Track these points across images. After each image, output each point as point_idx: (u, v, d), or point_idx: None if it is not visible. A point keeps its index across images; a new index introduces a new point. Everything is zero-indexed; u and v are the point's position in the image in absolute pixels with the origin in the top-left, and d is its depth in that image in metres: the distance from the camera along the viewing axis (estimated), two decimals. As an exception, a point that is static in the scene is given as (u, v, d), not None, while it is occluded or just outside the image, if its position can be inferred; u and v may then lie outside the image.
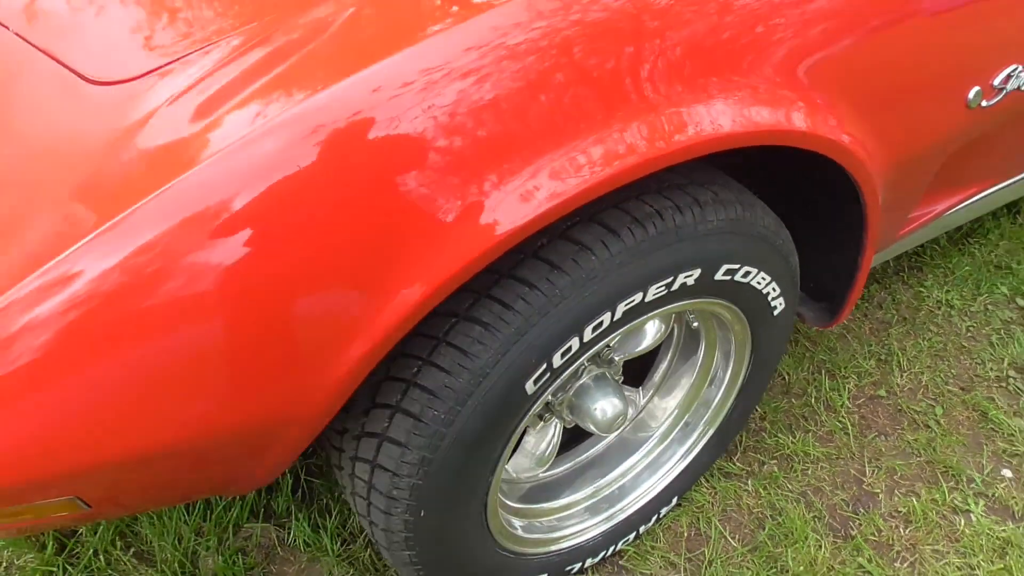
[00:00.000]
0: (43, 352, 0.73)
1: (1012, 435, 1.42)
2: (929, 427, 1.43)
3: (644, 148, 0.82)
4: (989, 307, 1.65)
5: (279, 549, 1.24)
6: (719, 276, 0.97)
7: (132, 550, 1.22)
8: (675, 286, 0.93)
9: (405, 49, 0.75)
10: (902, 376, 1.51)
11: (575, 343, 0.89)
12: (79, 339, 0.73)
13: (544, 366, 0.89)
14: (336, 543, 1.24)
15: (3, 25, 1.04)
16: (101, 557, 1.20)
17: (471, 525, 1.01)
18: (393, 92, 0.72)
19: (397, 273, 0.75)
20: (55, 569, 1.19)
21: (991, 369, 1.53)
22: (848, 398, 1.47)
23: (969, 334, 1.59)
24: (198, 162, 0.72)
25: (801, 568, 1.23)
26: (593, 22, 0.80)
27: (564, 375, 0.92)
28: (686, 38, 0.85)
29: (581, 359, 0.92)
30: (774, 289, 1.06)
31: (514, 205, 0.75)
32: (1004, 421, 1.44)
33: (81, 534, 1.22)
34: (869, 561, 1.25)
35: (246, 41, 0.86)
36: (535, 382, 0.89)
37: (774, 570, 1.23)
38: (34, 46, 0.97)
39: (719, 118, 0.87)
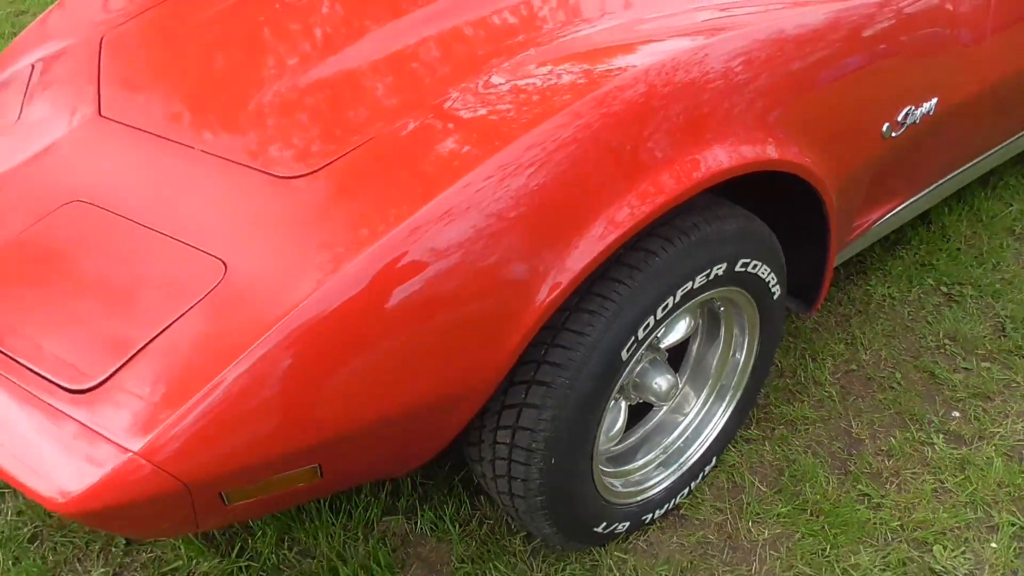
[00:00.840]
0: (310, 350, 1.07)
1: (955, 386, 1.83)
2: (893, 388, 1.84)
3: (679, 182, 1.22)
4: (921, 296, 2.09)
5: (411, 536, 1.55)
6: (738, 268, 1.37)
7: (295, 549, 1.51)
8: (711, 276, 1.32)
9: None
10: (866, 353, 1.92)
11: (651, 320, 1.27)
12: (338, 338, 1.07)
13: (632, 339, 1.25)
14: (456, 526, 1.55)
15: (188, 146, 1.40)
16: (273, 556, 1.49)
17: (582, 473, 1.35)
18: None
19: (549, 268, 1.12)
20: (235, 570, 1.47)
21: (931, 341, 1.96)
22: (828, 374, 1.87)
23: (910, 317, 2.02)
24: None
25: (817, 497, 1.59)
26: (633, 111, 1.20)
27: (644, 345, 1.29)
28: (687, 109, 1.25)
29: (654, 333, 1.29)
30: (773, 278, 1.46)
31: (624, 218, 1.14)
32: (947, 377, 1.85)
33: (250, 541, 1.51)
34: (866, 486, 1.62)
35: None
36: (627, 351, 1.26)
37: (797, 502, 1.59)
38: (227, 159, 1.33)
39: (719, 157, 1.28)
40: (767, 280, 1.45)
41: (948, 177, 1.93)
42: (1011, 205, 2.41)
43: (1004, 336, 1.97)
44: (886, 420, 1.77)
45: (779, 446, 1.71)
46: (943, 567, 1.47)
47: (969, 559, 1.49)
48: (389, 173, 1.21)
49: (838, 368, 1.89)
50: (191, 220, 1.26)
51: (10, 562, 1.49)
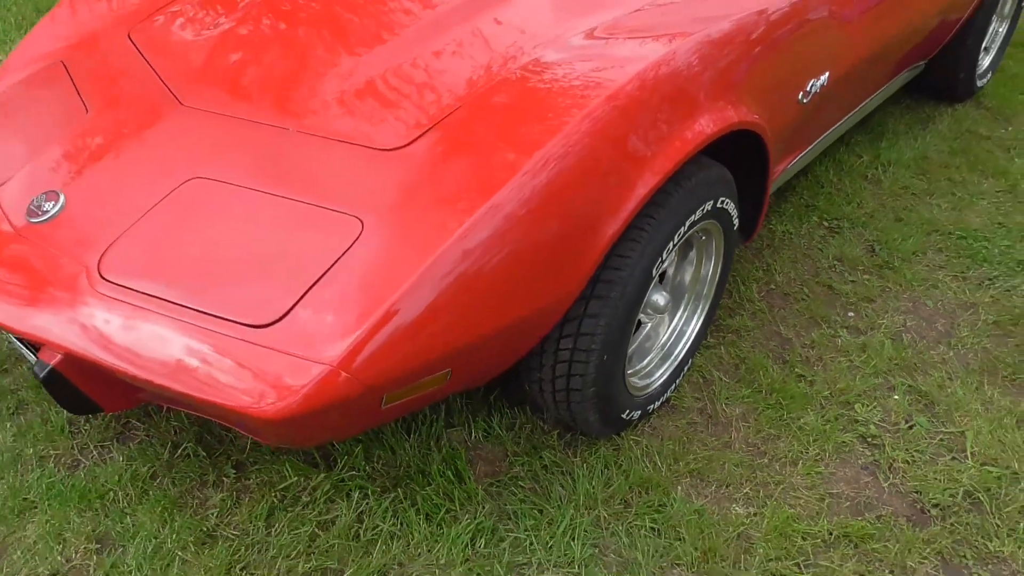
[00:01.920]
0: (455, 279, 1.41)
1: (847, 294, 2.40)
2: (804, 299, 2.38)
3: (691, 140, 1.65)
4: (810, 230, 2.66)
5: (469, 443, 1.90)
6: (718, 205, 1.82)
7: (381, 461, 1.83)
8: (705, 211, 1.76)
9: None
10: (779, 276, 2.46)
11: (671, 244, 1.69)
12: (473, 266, 1.41)
13: (659, 259, 1.68)
14: (504, 431, 1.92)
15: (282, 127, 1.67)
16: (367, 467, 1.80)
17: (619, 369, 1.76)
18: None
19: (631, 184, 1.51)
20: (340, 481, 1.77)
21: (824, 263, 2.52)
22: (755, 293, 2.38)
23: (805, 246, 2.58)
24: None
25: (768, 381, 2.09)
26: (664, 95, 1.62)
27: (666, 264, 1.72)
28: (673, 97, 1.67)
29: (672, 253, 1.72)
30: (734, 212, 1.92)
31: (670, 155, 1.55)
32: (840, 288, 2.42)
33: (346, 458, 1.81)
34: (801, 370, 2.14)
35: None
36: (656, 269, 1.68)
37: (754, 386, 2.08)
38: (325, 137, 1.63)
39: (708, 123, 1.73)
40: (732, 213, 1.92)
41: (830, 130, 2.50)
42: (861, 157, 3.05)
43: (875, 255, 2.57)
44: (803, 322, 2.30)
45: (731, 349, 2.20)
46: (863, 417, 2.01)
47: (879, 409, 2.04)
48: (486, 134, 1.55)
49: (761, 288, 2.41)
50: (314, 189, 1.55)
51: (139, 495, 1.71)
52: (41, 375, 1.52)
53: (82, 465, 1.80)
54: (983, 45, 3.46)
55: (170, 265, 1.50)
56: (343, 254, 1.44)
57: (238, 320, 1.41)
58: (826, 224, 2.70)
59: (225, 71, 1.85)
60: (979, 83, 3.58)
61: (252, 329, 1.40)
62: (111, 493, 1.72)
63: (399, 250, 1.44)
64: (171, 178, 1.62)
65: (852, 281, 2.46)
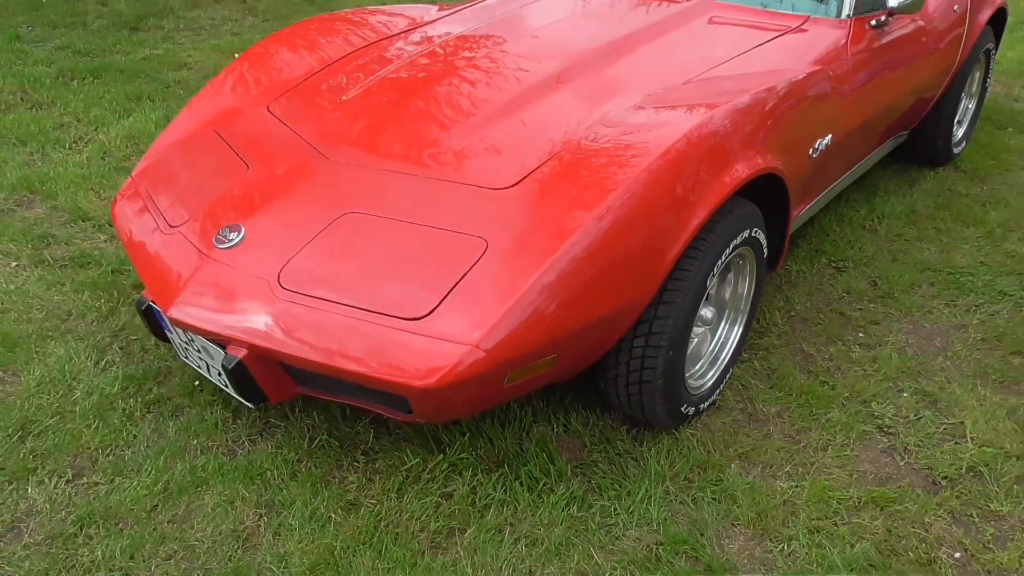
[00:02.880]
0: (563, 279, 1.82)
1: (856, 319, 2.82)
2: (820, 323, 2.80)
3: (731, 183, 2.10)
4: (820, 269, 3.10)
5: (551, 435, 2.28)
6: (752, 235, 2.26)
7: (484, 448, 2.20)
8: (743, 238, 2.20)
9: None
10: (798, 305, 2.88)
11: (720, 262, 2.12)
12: (580, 269, 1.83)
13: (712, 273, 2.10)
14: (581, 426, 2.30)
15: (412, 175, 2.12)
16: (474, 451, 2.17)
17: (681, 366, 2.16)
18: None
19: (688, 216, 1.95)
20: (456, 461, 2.14)
21: (835, 294, 2.95)
22: (779, 319, 2.80)
23: (818, 282, 3.02)
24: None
25: (797, 386, 2.49)
26: (707, 148, 2.08)
27: (716, 279, 2.14)
28: (718, 147, 2.13)
29: (718, 271, 2.15)
30: (764, 241, 2.36)
31: (716, 194, 2.00)
32: (851, 314, 2.85)
33: (457, 443, 2.18)
34: (824, 378, 2.54)
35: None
36: (709, 281, 2.10)
37: (786, 390, 2.48)
38: (447, 180, 2.07)
39: (742, 169, 2.18)
40: (762, 242, 2.36)
41: (834, 184, 2.97)
42: (859, 210, 3.53)
43: (877, 288, 3.01)
44: (822, 341, 2.72)
45: (763, 362, 2.61)
46: (879, 412, 2.40)
47: (891, 406, 2.43)
48: (577, 175, 2.00)
49: (784, 315, 2.84)
50: (444, 219, 1.98)
51: (290, 474, 2.08)
52: (230, 366, 1.92)
53: (239, 453, 2.17)
54: (956, 119, 4.00)
55: (336, 276, 1.92)
56: (474, 265, 1.87)
57: (397, 315, 1.82)
58: (833, 264, 3.15)
59: (359, 133, 2.32)
60: (955, 150, 4.11)
61: (408, 321, 1.81)
62: (267, 472, 2.09)
63: (516, 262, 1.86)
64: (329, 213, 2.05)
65: (859, 309, 2.89)
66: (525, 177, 2.05)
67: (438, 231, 1.96)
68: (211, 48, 5.59)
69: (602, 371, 2.19)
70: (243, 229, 2.06)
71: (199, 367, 2.17)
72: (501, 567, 1.88)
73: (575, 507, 2.04)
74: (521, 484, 2.09)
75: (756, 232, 2.30)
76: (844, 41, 2.82)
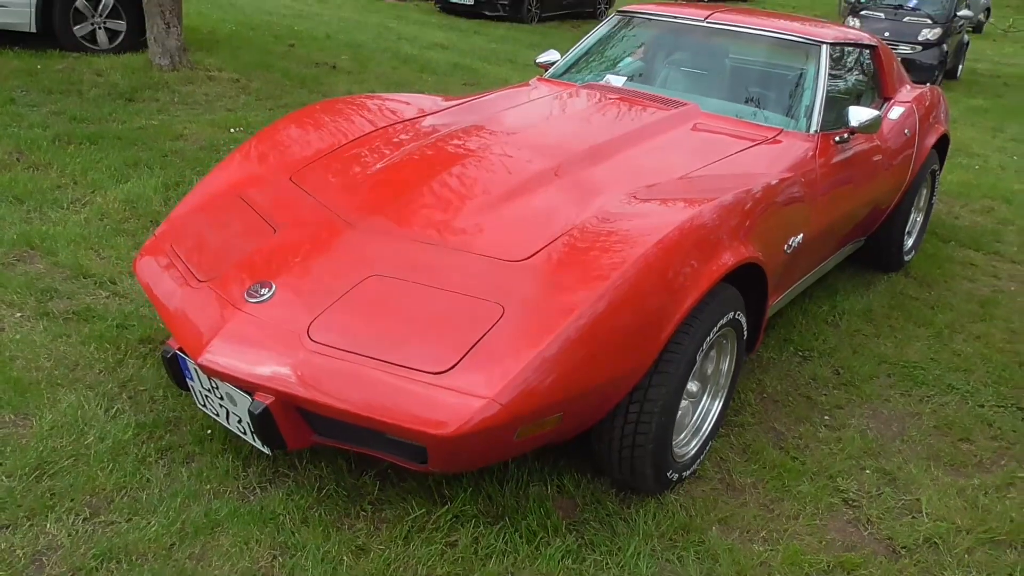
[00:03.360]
0: (571, 345, 2.02)
1: (823, 403, 3.05)
2: (789, 404, 3.02)
3: (719, 269, 2.35)
4: (788, 356, 3.35)
5: (546, 494, 2.42)
6: (735, 317, 2.49)
7: (485, 502, 2.33)
8: (727, 320, 2.43)
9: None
10: (769, 388, 3.11)
11: (708, 340, 2.34)
12: (585, 338, 2.03)
13: (701, 349, 2.32)
14: (573, 487, 2.46)
15: (436, 244, 2.32)
16: (474, 504, 2.30)
17: (671, 432, 2.34)
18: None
19: (682, 297, 2.17)
20: (462, 512, 2.26)
21: (802, 380, 3.19)
22: (753, 399, 3.02)
23: (786, 368, 3.26)
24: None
25: (770, 460, 2.68)
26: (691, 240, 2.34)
27: (704, 352, 2.35)
28: (707, 237, 2.38)
29: (706, 347, 2.36)
30: (744, 323, 2.60)
31: (706, 278, 2.23)
32: (817, 398, 3.07)
33: (459, 498, 2.31)
34: (794, 453, 2.74)
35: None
36: (699, 355, 2.31)
37: (760, 464, 2.67)
38: (467, 251, 2.28)
39: (728, 257, 2.43)
40: (743, 324, 2.59)
41: (803, 279, 3.25)
42: (822, 307, 3.82)
43: (840, 376, 3.26)
44: (792, 421, 2.93)
45: (739, 438, 2.81)
46: (844, 487, 2.60)
47: (855, 482, 2.63)
48: (583, 254, 2.22)
49: (757, 397, 3.06)
50: (464, 285, 2.18)
51: (301, 519, 2.18)
52: (256, 412, 2.05)
53: (251, 498, 2.26)
54: (907, 230, 4.37)
55: (362, 332, 2.09)
56: (492, 327, 2.05)
57: (420, 368, 1.99)
58: (800, 353, 3.40)
59: (381, 204, 2.52)
60: (906, 258, 4.47)
61: (430, 375, 1.97)
62: (280, 517, 2.19)
63: (530, 328, 2.05)
64: (355, 275, 2.23)
65: (825, 394, 3.13)
66: (536, 253, 2.27)
67: (459, 295, 2.15)
68: (207, 122, 5.81)
69: (597, 434, 2.36)
70: (274, 286, 2.22)
71: (217, 415, 2.29)
72: (504, 612, 2.00)
73: (570, 560, 2.18)
74: (520, 536, 2.22)
75: (738, 315, 2.53)
76: (812, 153, 3.16)
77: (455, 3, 14.18)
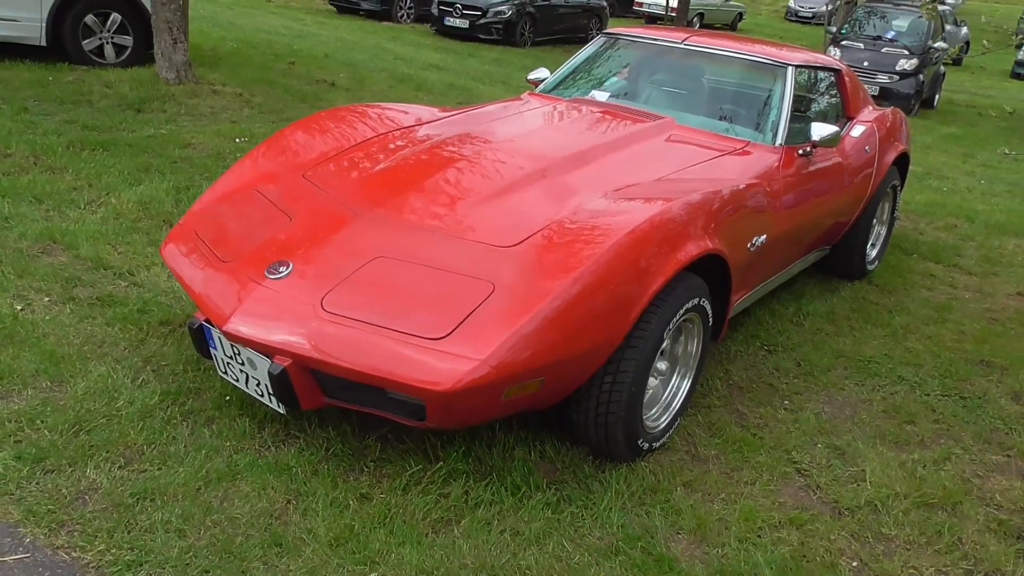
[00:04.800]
0: (557, 314, 2.31)
1: (784, 389, 3.35)
2: (753, 391, 3.31)
3: (684, 257, 2.65)
4: (755, 351, 3.65)
5: (530, 457, 2.70)
6: (700, 303, 2.80)
7: (475, 463, 2.61)
8: (692, 305, 2.73)
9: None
10: (735, 376, 3.41)
11: (673, 323, 2.64)
12: (569, 309, 2.32)
13: (667, 329, 2.61)
14: (554, 453, 2.74)
15: (434, 230, 2.61)
16: (466, 463, 2.58)
17: (640, 402, 2.63)
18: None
19: (649, 282, 2.47)
20: (452, 470, 2.54)
21: (766, 370, 3.49)
22: (720, 385, 3.32)
23: (752, 361, 3.56)
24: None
25: (732, 435, 2.97)
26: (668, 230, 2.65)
27: (671, 336, 2.65)
28: (677, 232, 2.69)
29: (672, 330, 2.66)
30: (709, 310, 2.90)
31: (672, 266, 2.54)
32: (779, 385, 3.37)
33: (451, 459, 2.59)
34: (754, 430, 3.03)
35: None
36: (666, 334, 2.61)
37: (724, 439, 2.96)
38: (463, 237, 2.57)
39: (693, 248, 2.74)
40: (708, 311, 2.89)
41: (768, 280, 3.56)
42: (788, 308, 4.13)
43: (800, 367, 3.56)
44: (754, 404, 3.23)
45: (705, 417, 3.10)
46: (798, 459, 2.90)
47: (808, 455, 2.93)
48: (564, 242, 2.52)
49: (724, 383, 3.35)
50: (459, 266, 2.47)
51: (312, 472, 2.45)
52: (275, 373, 2.33)
53: (266, 454, 2.54)
54: (870, 242, 4.70)
55: (370, 304, 2.38)
56: (483, 302, 2.35)
57: (420, 335, 2.28)
58: (766, 348, 3.71)
59: (385, 197, 2.82)
60: (870, 267, 4.80)
61: (429, 340, 2.26)
62: (292, 469, 2.46)
63: (515, 303, 2.34)
64: (363, 256, 2.53)
65: (786, 383, 3.43)
66: (523, 240, 2.57)
67: (454, 275, 2.45)
68: (213, 132, 6.11)
69: (575, 404, 2.65)
70: (291, 264, 2.51)
71: (236, 380, 2.57)
72: (491, 549, 2.27)
73: (549, 511, 2.46)
74: (506, 490, 2.50)
75: (703, 302, 2.84)
76: (777, 164, 3.48)
77: (451, 26, 14.60)
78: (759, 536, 2.48)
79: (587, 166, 3.15)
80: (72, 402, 2.65)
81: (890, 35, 12.27)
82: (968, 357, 3.86)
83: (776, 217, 3.38)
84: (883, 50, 11.97)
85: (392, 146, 3.31)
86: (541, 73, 4.48)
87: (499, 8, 14.40)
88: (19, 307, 3.24)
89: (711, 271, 2.91)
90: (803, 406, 3.26)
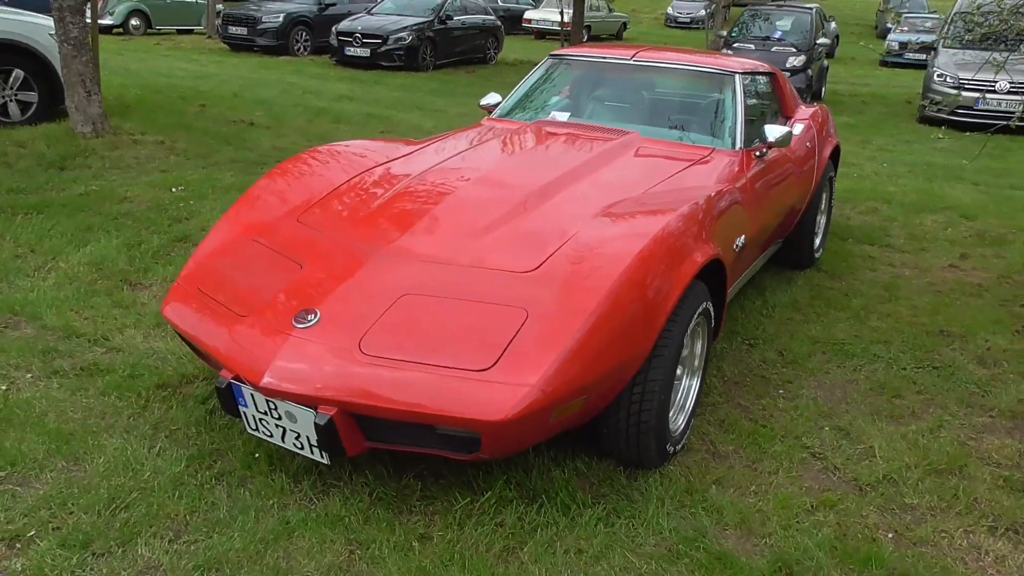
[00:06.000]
0: (593, 336, 2.38)
1: (777, 380, 3.51)
2: (748, 384, 3.46)
3: (694, 265, 2.77)
4: (738, 345, 3.81)
5: (564, 474, 2.76)
6: (706, 306, 2.92)
7: (517, 489, 2.64)
8: (702, 308, 2.85)
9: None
10: (728, 372, 3.55)
11: (689, 327, 2.75)
12: (603, 328, 2.39)
13: (686, 335, 2.72)
14: (586, 469, 2.80)
15: (450, 263, 2.64)
16: (513, 490, 2.61)
17: (667, 408, 2.72)
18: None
19: (670, 290, 2.57)
20: (500, 497, 2.56)
21: (753, 363, 3.65)
22: (719, 382, 3.45)
23: (739, 355, 3.71)
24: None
25: (743, 429, 3.10)
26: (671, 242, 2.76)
27: (688, 336, 2.76)
28: (685, 241, 2.80)
29: (689, 332, 2.77)
30: (712, 312, 3.02)
31: (682, 280, 2.65)
32: (769, 376, 3.54)
33: (495, 487, 2.61)
34: (761, 422, 3.17)
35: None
36: (684, 340, 2.72)
37: (737, 433, 3.09)
38: (482, 267, 2.61)
39: (700, 255, 2.86)
40: (712, 313, 3.02)
41: (743, 276, 3.73)
42: (756, 302, 4.33)
43: (784, 357, 3.74)
44: (753, 397, 3.37)
45: (712, 415, 3.22)
46: (809, 444, 3.05)
47: (817, 439, 3.08)
48: (583, 260, 2.59)
49: (720, 380, 3.49)
50: (486, 295, 2.51)
51: (364, 520, 2.43)
52: (323, 423, 2.31)
53: (313, 508, 2.50)
54: (815, 231, 4.97)
55: (408, 342, 2.39)
56: (520, 328, 2.40)
57: (466, 367, 2.30)
58: (747, 342, 3.88)
59: (391, 235, 2.83)
60: (816, 255, 5.07)
61: (477, 371, 2.30)
62: (345, 518, 2.44)
63: (554, 324, 2.40)
64: (389, 296, 2.53)
65: (775, 373, 3.60)
66: (541, 264, 2.63)
67: (486, 304, 2.48)
68: (146, 184, 5.92)
69: (604, 420, 2.71)
70: (318, 312, 2.50)
71: (270, 436, 2.52)
72: (561, 570, 2.31)
73: (603, 525, 2.51)
74: (557, 510, 2.54)
75: (708, 305, 2.96)
76: (740, 167, 3.66)
77: (352, 56, 14.52)
78: (799, 522, 2.60)
79: (574, 186, 3.23)
80: (98, 480, 2.54)
81: (777, 35, 12.94)
82: (927, 329, 4.13)
83: (749, 217, 3.56)
84: (773, 49, 12.60)
85: (376, 184, 3.31)
86: (493, 98, 4.56)
87: (399, 35, 14.42)
88: (3, 387, 3.08)
89: (709, 275, 3.04)
90: (798, 393, 3.43)
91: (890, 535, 2.58)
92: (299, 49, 15.95)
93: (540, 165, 3.48)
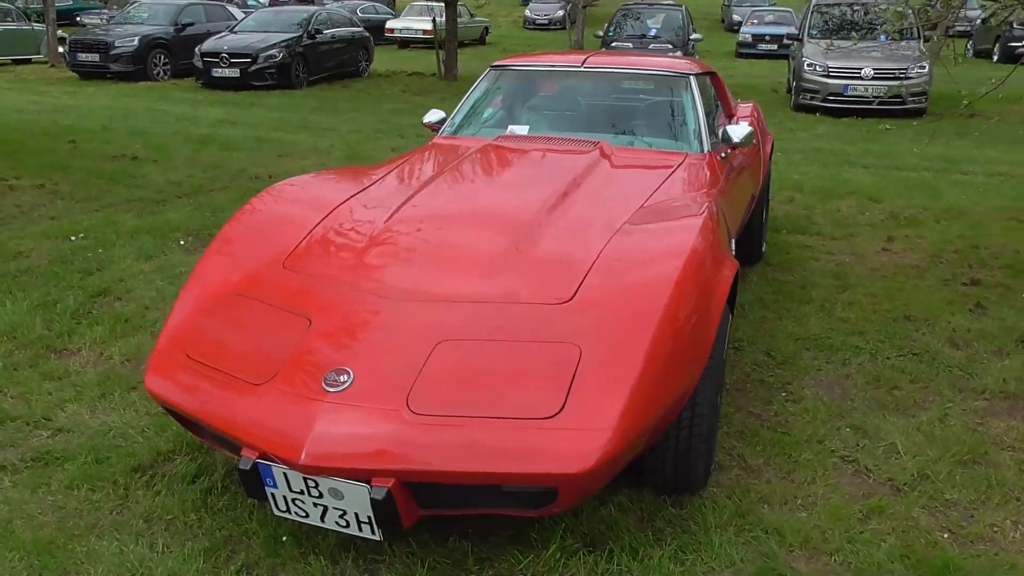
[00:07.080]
0: (650, 371, 2.23)
1: (773, 383, 3.48)
2: (751, 390, 3.42)
3: (728, 276, 2.67)
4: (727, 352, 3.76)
5: (613, 506, 2.60)
6: (731, 318, 2.83)
7: (577, 542, 2.46)
8: (730, 319, 2.76)
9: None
10: (728, 380, 3.49)
11: (726, 341, 2.65)
12: (659, 361, 2.25)
13: (725, 349, 2.62)
14: (631, 503, 2.65)
15: (475, 301, 2.42)
16: (568, 539, 2.43)
17: (716, 432, 2.61)
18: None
19: (713, 307, 2.46)
20: (558, 550, 2.37)
21: (747, 368, 3.61)
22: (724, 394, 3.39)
23: (731, 361, 3.67)
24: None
25: (765, 438, 3.04)
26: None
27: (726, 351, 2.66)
28: (713, 254, 2.69)
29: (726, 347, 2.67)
30: (730, 313, 2.94)
31: (720, 294, 2.54)
32: (767, 379, 3.50)
33: (545, 540, 2.42)
34: (776, 430, 3.12)
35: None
36: (725, 356, 2.61)
37: (760, 445, 3.02)
38: (513, 302, 2.41)
39: (728, 270, 2.76)
40: (730, 320, 2.94)
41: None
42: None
43: (773, 358, 3.73)
44: (760, 403, 3.33)
45: (730, 426, 3.15)
46: (834, 447, 3.02)
47: (839, 441, 3.06)
48: (620, 282, 2.44)
49: (725, 390, 3.43)
50: (527, 333, 2.31)
51: (429, 596, 2.19)
52: (380, 498, 2.05)
53: (363, 590, 2.23)
54: (764, 224, 5.03)
55: (459, 395, 2.16)
56: (578, 366, 2.22)
57: (531, 416, 2.10)
58: (733, 346, 3.84)
59: (397, 275, 2.59)
60: (763, 249, 5.13)
61: (543, 420, 2.10)
62: (404, 599, 2.18)
63: (613, 359, 2.24)
64: (422, 344, 2.29)
65: (772, 375, 3.57)
66: (576, 292, 2.46)
67: (532, 343, 2.29)
68: (39, 235, 5.32)
69: (649, 454, 2.56)
70: (351, 371, 2.22)
71: (306, 516, 2.23)
72: (654, 622, 2.15)
73: (676, 564, 2.37)
74: (626, 555, 2.38)
75: (731, 316, 2.88)
76: (713, 171, 3.61)
77: (220, 77, 13.78)
78: (860, 533, 2.55)
79: (567, 205, 3.06)
80: (102, 595, 2.17)
81: (652, 32, 13.25)
82: (892, 316, 4.24)
83: (730, 218, 3.51)
84: (650, 46, 12.90)
85: (357, 221, 3.02)
86: (436, 115, 4.33)
87: (269, 52, 13.81)
88: (-55, 496, 2.61)
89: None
90: (801, 394, 3.41)
91: (946, 535, 2.57)
92: (158, 73, 15.01)
93: (524, 186, 3.29)
